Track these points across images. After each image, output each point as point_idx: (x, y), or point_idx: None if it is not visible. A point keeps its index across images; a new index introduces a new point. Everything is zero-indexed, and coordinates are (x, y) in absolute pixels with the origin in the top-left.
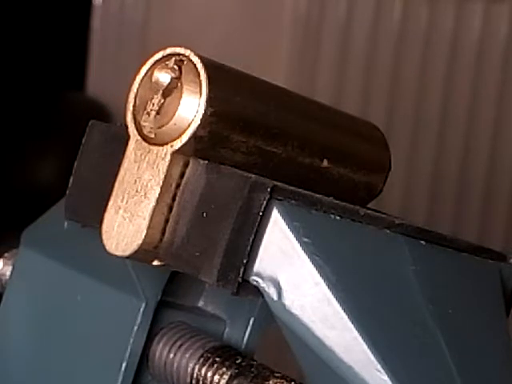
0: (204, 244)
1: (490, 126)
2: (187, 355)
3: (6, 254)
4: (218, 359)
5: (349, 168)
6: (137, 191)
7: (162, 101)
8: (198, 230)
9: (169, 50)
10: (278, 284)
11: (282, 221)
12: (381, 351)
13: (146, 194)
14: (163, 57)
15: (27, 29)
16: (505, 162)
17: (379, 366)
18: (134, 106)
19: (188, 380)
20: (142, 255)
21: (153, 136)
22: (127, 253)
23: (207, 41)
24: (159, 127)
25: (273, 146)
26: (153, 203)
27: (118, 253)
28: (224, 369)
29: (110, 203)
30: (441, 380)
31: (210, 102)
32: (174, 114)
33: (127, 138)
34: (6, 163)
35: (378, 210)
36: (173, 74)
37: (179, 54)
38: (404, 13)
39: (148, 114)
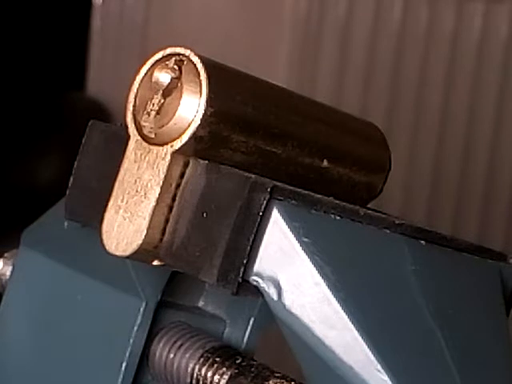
0: (204, 244)
1: (490, 125)
2: (187, 355)
3: (5, 254)
4: (218, 359)
5: (349, 168)
6: (137, 191)
7: (162, 101)
8: (198, 230)
9: (169, 50)
10: (278, 284)
11: (282, 221)
12: (381, 351)
13: (146, 193)
14: (163, 57)
15: (27, 29)
16: (505, 162)
17: (379, 366)
18: (134, 105)
19: (188, 380)
20: (142, 255)
21: (153, 136)
22: (127, 253)
23: (207, 41)
24: (159, 127)
25: (273, 146)
26: (153, 203)
27: (118, 253)
28: (224, 369)
29: (110, 203)
30: (441, 380)
31: (210, 102)
32: (174, 114)
33: (127, 138)
34: (6, 163)
35: (378, 210)
36: (173, 74)
37: (179, 54)
38: (404, 13)
39: (148, 114)
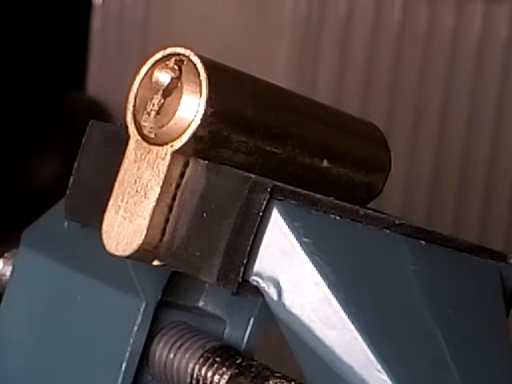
0: (204, 244)
1: (490, 125)
2: (187, 355)
3: (6, 254)
4: (218, 359)
5: (349, 168)
6: (137, 191)
7: (162, 101)
8: (198, 229)
9: (169, 50)
10: (278, 284)
11: (282, 221)
12: (381, 351)
13: (146, 193)
14: (163, 57)
15: (27, 29)
16: (505, 162)
17: (379, 366)
18: (134, 105)
19: (188, 380)
20: (142, 255)
21: (153, 136)
22: (127, 253)
23: (207, 41)
24: (159, 127)
25: (273, 146)
26: (153, 203)
27: (118, 253)
28: (224, 369)
29: (110, 203)
30: (441, 380)
31: (210, 102)
32: (174, 114)
33: (127, 138)
34: (6, 163)
35: (378, 210)
36: (173, 74)
37: (179, 54)
38: (404, 13)
39: (148, 113)
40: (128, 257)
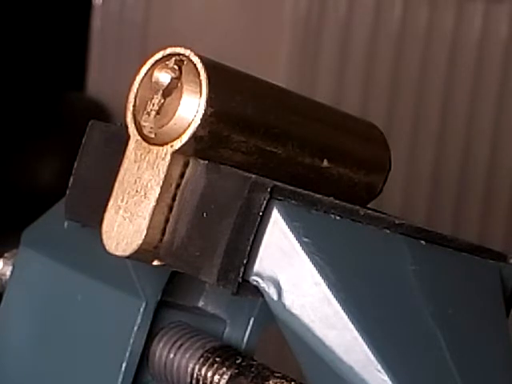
0: (204, 244)
1: (490, 126)
2: (187, 355)
3: (6, 254)
4: (218, 359)
5: (349, 168)
6: (137, 191)
7: (162, 101)
8: (198, 229)
9: (169, 50)
10: (278, 284)
11: (282, 221)
12: (381, 351)
13: (146, 193)
14: (163, 57)
15: (27, 29)
16: (505, 162)
17: (379, 366)
18: (134, 105)
19: (188, 380)
20: (142, 255)
21: (153, 136)
22: (127, 253)
23: (207, 41)
24: (159, 127)
25: (273, 146)
26: (153, 203)
27: (118, 253)
28: (224, 369)
29: (110, 203)
30: (441, 380)
31: (210, 102)
32: (174, 114)
33: (127, 138)
34: (6, 163)
35: (378, 210)
36: (173, 74)
37: (179, 54)
38: (404, 13)
39: (148, 113)
40: (128, 257)
